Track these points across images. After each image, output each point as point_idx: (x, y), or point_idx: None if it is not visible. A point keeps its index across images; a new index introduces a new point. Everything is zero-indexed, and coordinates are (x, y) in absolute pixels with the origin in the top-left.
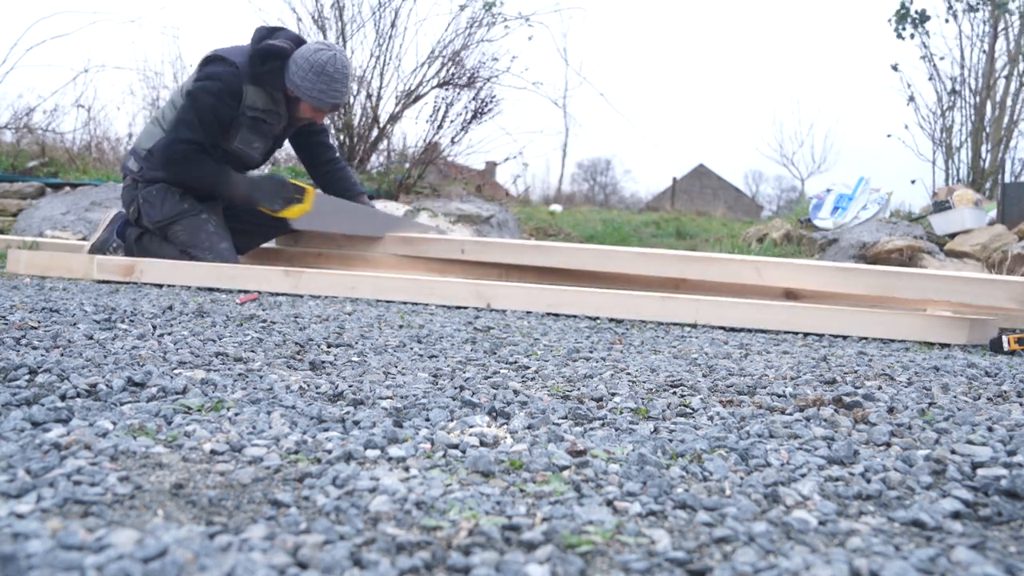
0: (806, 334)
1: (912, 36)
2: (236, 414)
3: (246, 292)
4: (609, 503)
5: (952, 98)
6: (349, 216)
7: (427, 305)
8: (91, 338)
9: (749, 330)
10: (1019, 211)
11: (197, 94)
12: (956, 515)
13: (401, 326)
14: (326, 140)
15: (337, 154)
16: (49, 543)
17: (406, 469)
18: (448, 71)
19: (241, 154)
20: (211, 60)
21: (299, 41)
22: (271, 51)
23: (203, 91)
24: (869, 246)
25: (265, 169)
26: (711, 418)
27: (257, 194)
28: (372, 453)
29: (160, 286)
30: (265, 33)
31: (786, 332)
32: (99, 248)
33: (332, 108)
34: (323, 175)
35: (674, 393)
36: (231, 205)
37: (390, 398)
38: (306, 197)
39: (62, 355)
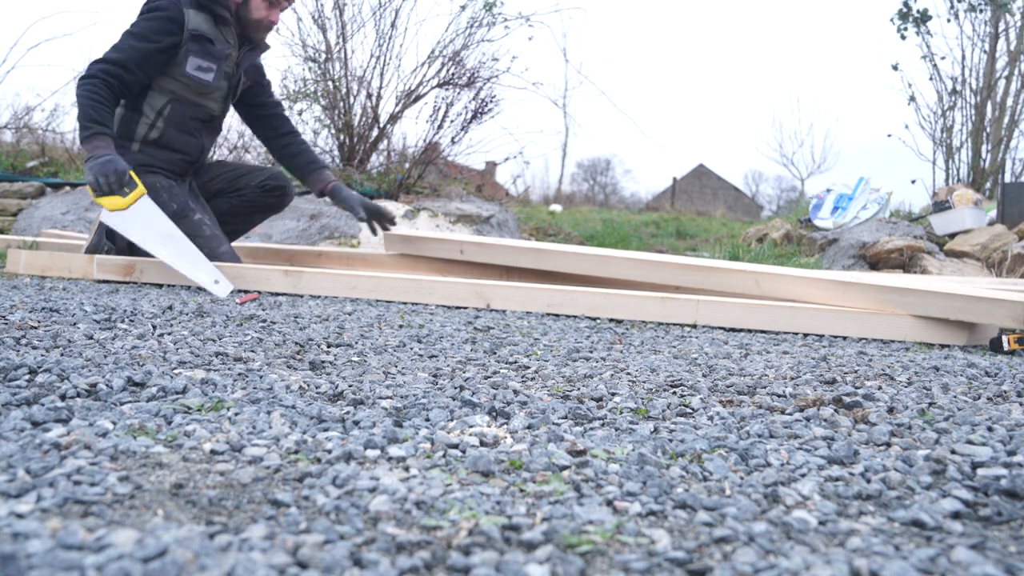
0: (806, 334)
1: (916, 34)
2: (236, 414)
3: (246, 292)
4: (609, 503)
5: (953, 98)
6: (167, 245)
7: (427, 305)
8: (91, 338)
9: (749, 330)
10: (1019, 211)
11: (137, 22)
12: (956, 515)
13: (401, 326)
14: (282, 112)
15: (295, 127)
16: (49, 543)
17: (406, 469)
18: (448, 71)
19: (194, 81)
20: None
21: None
22: None
23: (142, 19)
24: (869, 246)
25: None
26: (711, 418)
27: (93, 165)
28: (372, 453)
29: (160, 286)
30: None
31: (786, 332)
32: (92, 251)
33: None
34: (281, 148)
35: (674, 393)
36: (212, 200)
37: (390, 398)
38: (131, 195)
39: (62, 355)
